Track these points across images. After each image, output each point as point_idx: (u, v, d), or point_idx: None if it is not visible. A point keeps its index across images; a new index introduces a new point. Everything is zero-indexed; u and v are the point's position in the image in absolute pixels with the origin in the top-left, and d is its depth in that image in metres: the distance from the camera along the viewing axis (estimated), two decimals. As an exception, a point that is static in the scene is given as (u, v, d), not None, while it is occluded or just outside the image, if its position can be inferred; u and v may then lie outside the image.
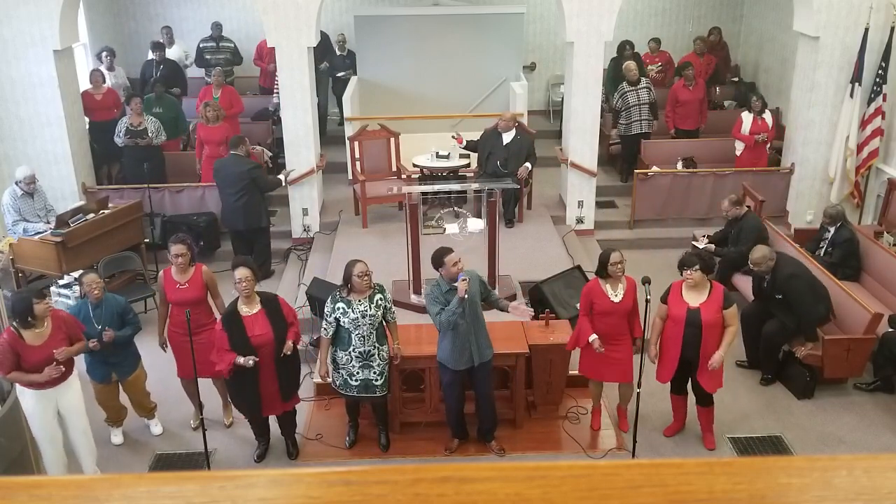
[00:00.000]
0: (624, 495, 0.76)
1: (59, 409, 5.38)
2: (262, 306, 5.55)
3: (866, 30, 8.53)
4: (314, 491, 0.77)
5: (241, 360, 5.37)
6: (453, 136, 8.86)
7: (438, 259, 5.49)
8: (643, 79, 10.15)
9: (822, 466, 0.79)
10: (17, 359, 5.09)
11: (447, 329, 5.47)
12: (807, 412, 6.46)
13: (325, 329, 5.65)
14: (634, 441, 5.71)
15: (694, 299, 5.63)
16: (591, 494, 0.76)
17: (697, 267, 5.57)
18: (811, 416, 6.41)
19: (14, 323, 5.14)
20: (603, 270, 5.77)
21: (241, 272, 5.48)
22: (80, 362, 5.66)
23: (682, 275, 5.71)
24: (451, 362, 5.56)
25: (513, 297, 7.19)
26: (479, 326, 5.56)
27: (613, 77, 11.26)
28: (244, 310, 5.52)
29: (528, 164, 8.74)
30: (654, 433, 6.15)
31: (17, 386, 5.23)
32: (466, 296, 5.34)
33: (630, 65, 10.20)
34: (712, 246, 8.14)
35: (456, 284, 5.36)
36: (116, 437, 6.17)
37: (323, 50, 11.14)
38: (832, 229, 7.72)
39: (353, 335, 5.55)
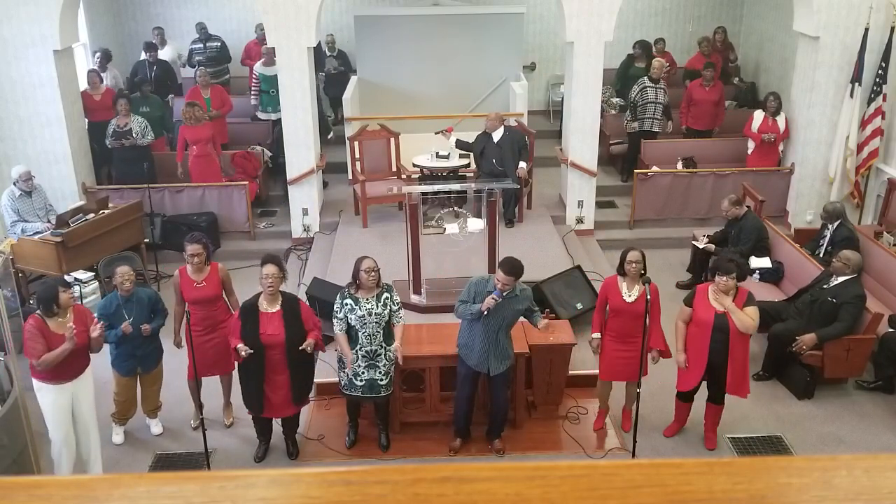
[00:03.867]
0: (624, 495, 0.76)
1: (72, 403, 5.44)
2: (282, 307, 5.53)
3: (866, 30, 8.53)
4: (314, 491, 0.77)
5: (239, 346, 5.37)
6: (442, 132, 8.77)
7: (499, 265, 5.48)
8: (661, 80, 10.14)
9: (822, 466, 0.79)
10: (46, 345, 5.18)
11: (458, 318, 5.59)
12: (807, 412, 6.46)
13: (337, 325, 5.61)
14: (634, 441, 5.70)
15: (721, 304, 5.54)
16: (591, 494, 0.76)
17: (735, 275, 5.45)
18: (811, 416, 6.41)
19: (38, 311, 5.26)
20: (621, 267, 5.76)
21: (269, 268, 5.46)
22: (96, 358, 5.66)
23: (713, 279, 5.60)
24: (465, 354, 5.58)
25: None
26: (500, 347, 5.53)
27: (624, 74, 11.35)
28: (264, 306, 5.52)
29: (523, 164, 8.67)
30: (654, 433, 6.15)
31: (35, 383, 5.30)
32: (486, 312, 5.33)
33: (657, 62, 10.22)
34: (712, 246, 8.14)
35: (495, 292, 5.32)
36: (117, 436, 6.17)
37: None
38: (831, 226, 7.72)
39: (360, 334, 5.54)
